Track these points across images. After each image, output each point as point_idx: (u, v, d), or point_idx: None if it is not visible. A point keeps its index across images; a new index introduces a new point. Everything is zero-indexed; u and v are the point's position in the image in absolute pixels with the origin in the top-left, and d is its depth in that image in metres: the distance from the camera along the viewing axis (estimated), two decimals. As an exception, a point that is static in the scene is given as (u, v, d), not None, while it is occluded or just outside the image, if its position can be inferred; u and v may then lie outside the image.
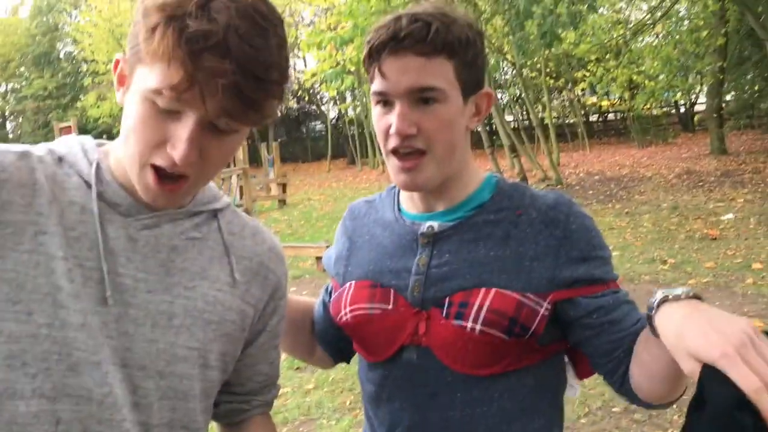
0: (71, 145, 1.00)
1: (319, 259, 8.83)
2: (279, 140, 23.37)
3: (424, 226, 1.24)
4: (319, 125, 33.22)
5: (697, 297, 0.98)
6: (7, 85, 34.58)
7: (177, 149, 0.87)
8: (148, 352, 0.96)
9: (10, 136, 34.62)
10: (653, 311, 0.99)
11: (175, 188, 0.93)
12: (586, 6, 9.39)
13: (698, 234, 8.43)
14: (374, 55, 1.14)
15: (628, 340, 1.11)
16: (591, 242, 1.18)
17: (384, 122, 1.17)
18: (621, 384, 1.15)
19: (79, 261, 0.92)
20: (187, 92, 0.84)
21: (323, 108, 31.36)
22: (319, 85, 24.29)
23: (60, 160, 0.97)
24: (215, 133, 0.90)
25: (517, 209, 1.21)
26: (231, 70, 0.83)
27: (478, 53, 1.18)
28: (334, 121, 28.77)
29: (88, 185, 0.96)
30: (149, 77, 0.86)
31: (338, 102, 27.98)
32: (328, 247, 8.83)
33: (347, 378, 4.70)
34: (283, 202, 16.40)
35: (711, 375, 0.83)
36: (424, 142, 1.16)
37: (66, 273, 0.90)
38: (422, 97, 1.14)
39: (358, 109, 24.62)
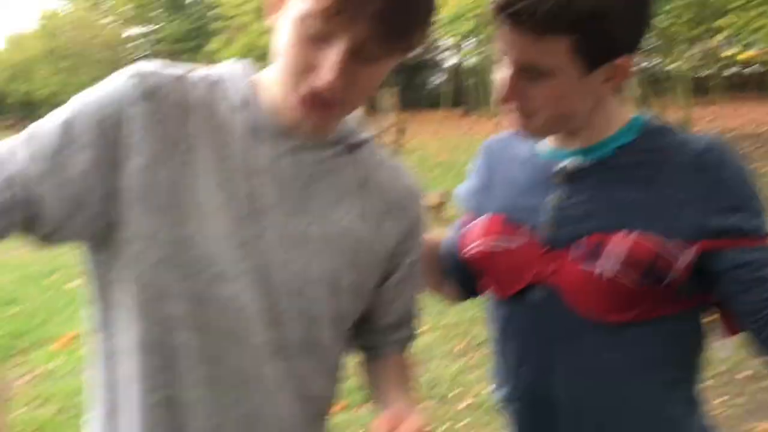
0: (231, 68, 1.04)
1: (435, 207, 8.82)
2: (397, 87, 23.38)
3: (560, 164, 1.18)
4: (437, 73, 32.90)
5: None
6: (143, 28, 36.30)
7: (325, 74, 0.89)
8: (283, 271, 0.99)
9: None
10: None
11: (324, 111, 0.95)
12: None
13: None
14: (493, 14, 1.07)
15: None
16: (743, 192, 1.09)
17: (499, 77, 1.12)
18: (764, 345, 1.07)
19: (225, 178, 0.96)
20: (335, 17, 0.86)
21: (442, 56, 30.98)
22: (438, 32, 23.97)
23: (213, 84, 1.01)
24: (363, 61, 0.91)
25: (665, 151, 1.12)
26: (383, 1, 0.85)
27: (616, 21, 1.04)
28: (454, 68, 28.39)
29: (238, 108, 1.00)
30: (302, 2, 0.88)
31: (459, 49, 27.55)
32: (443, 194, 8.80)
33: (461, 323, 4.71)
34: (400, 148, 16.45)
35: None
36: (530, 109, 1.11)
37: (212, 189, 0.95)
38: (529, 71, 1.07)
39: (480, 57, 24.16)
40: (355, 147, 1.08)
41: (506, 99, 1.12)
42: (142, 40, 36.39)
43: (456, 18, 11.22)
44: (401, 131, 17.25)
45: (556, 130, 1.16)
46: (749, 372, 3.70)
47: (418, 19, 0.91)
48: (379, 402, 1.14)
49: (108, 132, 0.91)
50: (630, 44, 1.09)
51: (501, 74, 1.12)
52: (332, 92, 0.90)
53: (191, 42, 32.58)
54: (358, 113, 1.08)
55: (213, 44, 27.08)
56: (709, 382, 3.64)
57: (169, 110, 0.94)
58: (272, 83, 0.99)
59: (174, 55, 32.65)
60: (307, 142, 1.02)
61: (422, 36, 0.94)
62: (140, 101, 0.93)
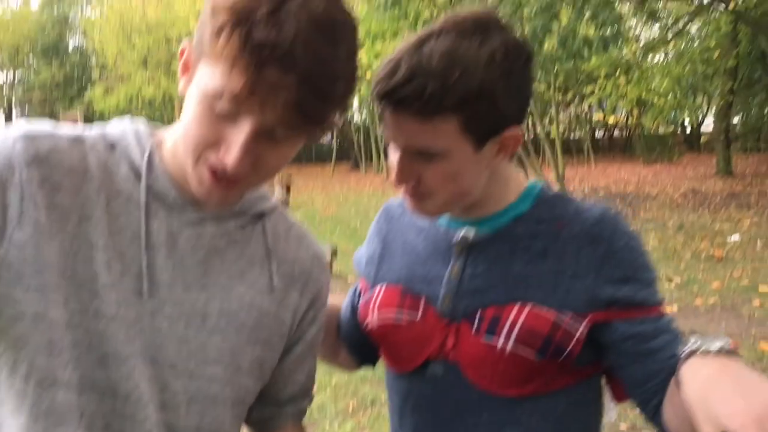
0: (124, 130, 0.97)
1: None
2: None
3: (459, 234, 1.17)
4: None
5: (730, 352, 0.91)
6: (15, 75, 34.59)
7: (230, 154, 0.84)
8: (179, 350, 0.93)
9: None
10: (681, 361, 0.93)
11: (228, 188, 0.89)
12: (615, 28, 9.33)
13: (704, 254, 8.39)
14: (377, 99, 1.06)
15: (664, 373, 1.03)
16: (635, 263, 1.11)
17: (391, 159, 1.11)
18: (653, 415, 1.08)
19: (120, 251, 0.90)
20: (246, 101, 0.81)
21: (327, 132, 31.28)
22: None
23: (112, 146, 0.94)
24: (271, 141, 0.86)
25: (559, 221, 1.14)
26: (294, 84, 0.79)
27: (501, 96, 1.03)
28: (339, 125, 28.82)
29: (138, 175, 0.93)
30: (211, 78, 0.82)
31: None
32: (334, 250, 8.78)
33: (350, 382, 4.66)
34: (286, 204, 16.36)
35: None
36: (426, 190, 1.10)
37: (105, 262, 0.88)
38: (421, 154, 1.07)
39: (364, 114, 24.61)
40: (259, 217, 1.03)
41: (400, 183, 1.10)
42: (16, 85, 34.66)
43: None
44: (288, 186, 17.17)
45: (452, 208, 1.16)
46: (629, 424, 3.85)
47: (333, 103, 0.86)
48: None
49: None
50: (516, 116, 1.09)
51: (392, 157, 1.10)
52: (236, 172, 0.85)
53: (70, 89, 31.34)
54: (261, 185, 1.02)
55: (93, 92, 26.14)
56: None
57: (62, 177, 0.87)
58: (173, 150, 0.94)
59: (50, 102, 31.24)
60: (208, 214, 0.97)
61: (339, 115, 0.89)
62: (29, 166, 0.85)
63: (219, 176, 0.87)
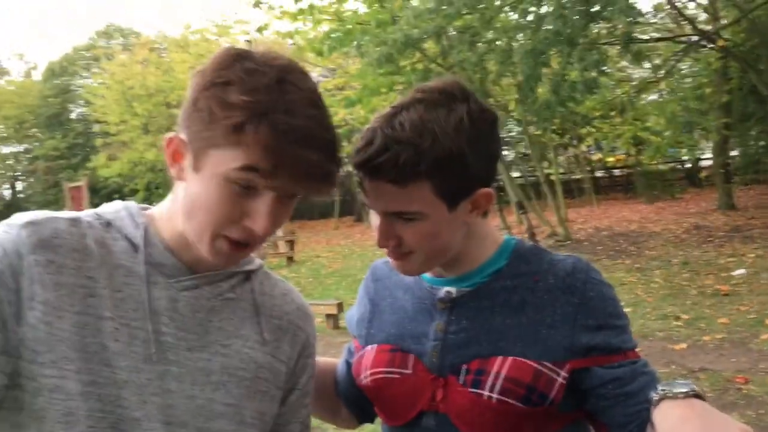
0: (117, 210, 1.06)
1: (329, 316, 8.77)
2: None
3: (442, 291, 1.24)
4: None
5: (697, 396, 0.99)
6: (19, 146, 35.07)
7: (258, 223, 0.95)
8: (189, 408, 1.00)
9: (21, 195, 34.98)
10: (653, 406, 1.01)
11: (247, 251, 1.01)
12: (597, 72, 9.45)
13: (710, 290, 8.37)
14: (354, 168, 1.14)
15: (644, 414, 1.09)
16: (607, 310, 1.17)
17: (372, 222, 1.19)
18: None
19: (126, 321, 0.97)
20: (277, 176, 0.92)
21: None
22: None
23: (108, 224, 1.03)
24: (285, 202, 0.98)
25: (534, 275, 1.20)
26: (316, 156, 0.93)
27: (470, 160, 1.10)
28: (341, 179, 29.06)
29: (135, 248, 1.02)
30: (233, 162, 0.93)
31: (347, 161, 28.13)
32: (339, 304, 8.78)
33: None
34: (291, 260, 16.38)
35: None
36: (408, 248, 1.17)
37: (112, 333, 0.96)
38: (399, 216, 1.14)
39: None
40: (247, 277, 1.12)
41: (382, 245, 1.18)
42: (21, 156, 35.11)
43: (342, 136, 11.60)
44: (292, 242, 17.26)
45: (434, 265, 1.22)
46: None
47: (340, 164, 0.98)
48: None
49: (3, 287, 0.90)
50: (485, 177, 1.16)
51: (373, 220, 1.18)
52: (265, 237, 0.97)
53: (74, 158, 31.74)
54: None
55: (97, 160, 26.47)
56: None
57: (66, 258, 0.95)
58: (170, 224, 1.03)
59: (54, 172, 31.59)
60: (203, 279, 1.05)
61: (336, 178, 1.00)
62: (35, 251, 0.93)
63: (240, 246, 0.98)
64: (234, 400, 1.04)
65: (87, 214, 1.04)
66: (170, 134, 1.00)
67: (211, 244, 0.98)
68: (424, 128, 1.08)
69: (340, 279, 12.61)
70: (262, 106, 0.91)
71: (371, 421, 1.43)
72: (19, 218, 0.96)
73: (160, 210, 1.08)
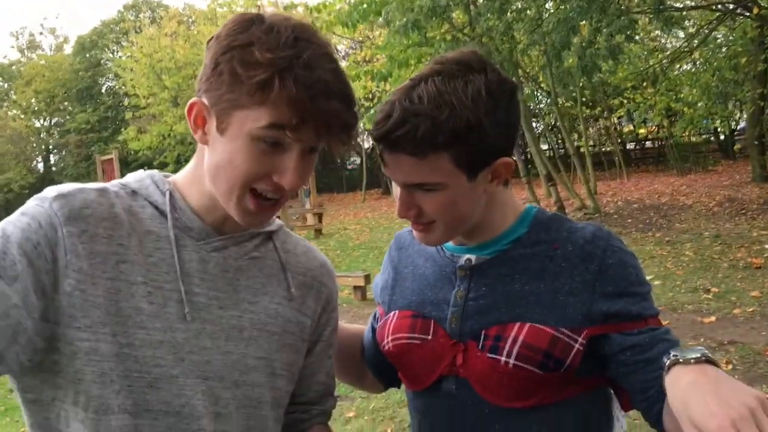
0: (141, 178, 1.10)
1: (356, 288, 8.84)
2: (314, 172, 23.47)
3: (462, 259, 1.26)
4: (353, 156, 33.44)
5: (709, 361, 0.97)
6: (51, 120, 35.55)
7: (286, 178, 0.99)
8: (225, 364, 1.05)
9: (54, 169, 35.53)
10: (664, 372, 1.00)
11: (273, 209, 1.05)
12: (624, 37, 9.25)
13: (742, 263, 8.26)
14: (375, 141, 1.16)
15: (662, 380, 1.07)
16: (628, 277, 1.17)
17: (394, 193, 1.21)
18: (656, 422, 1.13)
19: (159, 284, 1.01)
20: (303, 130, 0.96)
21: (358, 139, 31.55)
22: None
23: (134, 193, 1.06)
24: (309, 157, 1.02)
25: (554, 243, 1.21)
26: (338, 107, 0.97)
27: (488, 130, 1.11)
28: (368, 151, 28.99)
29: (163, 214, 1.05)
30: (258, 120, 0.96)
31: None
32: (366, 276, 8.84)
33: (388, 407, 4.68)
34: (319, 232, 16.50)
35: None
36: (428, 218, 1.18)
37: (146, 296, 1.00)
38: (420, 187, 1.15)
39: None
40: (269, 236, 1.16)
41: (403, 215, 1.19)
42: (53, 130, 35.58)
43: (368, 118, 11.54)
44: (320, 215, 17.37)
45: (455, 234, 1.23)
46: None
47: (358, 115, 1.02)
48: None
49: (37, 259, 0.93)
50: (504, 147, 1.17)
51: (395, 192, 1.19)
52: (293, 191, 1.00)
53: (104, 132, 32.09)
54: None
55: (127, 134, 26.73)
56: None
57: (97, 227, 0.98)
58: (196, 188, 1.06)
59: (86, 145, 32.01)
60: (230, 239, 1.08)
61: (356, 135, 1.05)
62: (67, 223, 0.96)
63: (268, 203, 1.02)
64: (265, 353, 1.09)
65: (113, 184, 1.07)
66: (193, 99, 1.03)
67: (239, 204, 1.01)
68: (442, 100, 1.09)
69: (367, 251, 12.67)
70: (284, 61, 0.94)
71: (397, 386, 1.46)
72: (50, 192, 0.99)
73: (183, 175, 1.11)
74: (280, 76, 0.94)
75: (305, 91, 0.94)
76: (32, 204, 0.99)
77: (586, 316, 1.15)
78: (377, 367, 1.43)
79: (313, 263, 1.23)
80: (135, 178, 1.10)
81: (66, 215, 0.97)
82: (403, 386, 1.41)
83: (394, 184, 1.19)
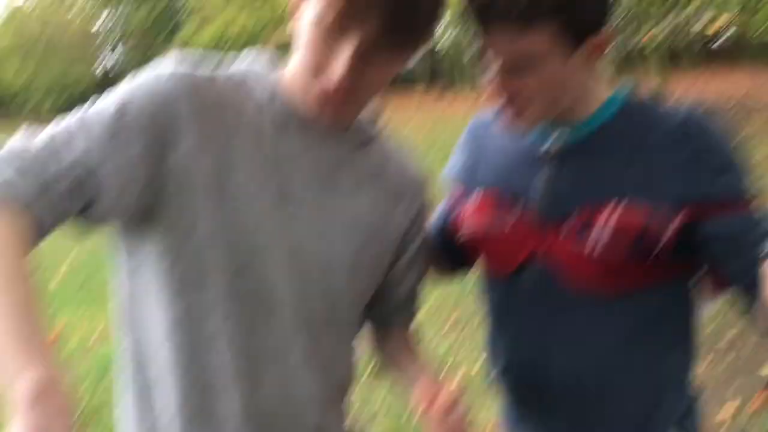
0: (252, 65, 1.12)
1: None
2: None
3: (549, 141, 1.21)
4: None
5: None
6: (116, 12, 35.68)
7: (335, 69, 0.97)
8: (314, 252, 1.06)
9: (116, 68, 35.95)
10: (761, 261, 0.96)
11: (335, 107, 1.03)
12: None
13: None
14: (473, 14, 1.10)
15: (758, 267, 1.03)
16: (728, 157, 1.11)
17: (487, 76, 1.15)
18: (748, 309, 1.09)
19: (259, 168, 1.03)
20: (347, 16, 0.94)
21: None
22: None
23: (240, 84, 1.08)
24: (373, 59, 0.98)
25: (646, 125, 1.15)
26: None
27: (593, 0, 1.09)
28: (428, 49, 28.40)
29: (266, 104, 1.07)
30: (317, 5, 0.96)
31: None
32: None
33: (448, 298, 4.75)
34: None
35: None
36: (523, 102, 1.14)
37: (249, 177, 1.02)
38: (517, 65, 1.10)
39: (454, 36, 24.05)
40: (368, 141, 1.15)
41: (498, 96, 1.15)
42: (116, 25, 35.82)
43: None
44: (378, 113, 17.21)
45: (550, 115, 1.18)
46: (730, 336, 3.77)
47: (427, 15, 0.98)
48: (399, 374, 1.21)
49: (157, 122, 0.98)
50: (603, 19, 1.12)
51: (489, 75, 1.14)
52: (341, 88, 0.98)
53: (161, 31, 32.13)
54: (370, 110, 1.15)
55: (183, 33, 26.70)
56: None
57: (207, 108, 1.01)
58: (294, 78, 1.06)
59: (144, 45, 32.19)
60: (328, 136, 1.09)
61: (431, 33, 1.01)
62: (184, 99, 1.00)
63: (328, 96, 1.01)
64: (354, 248, 1.10)
65: (220, 72, 1.08)
66: None
67: (309, 91, 1.03)
68: None
69: (425, 150, 12.46)
70: None
71: (465, 272, 1.45)
72: (167, 68, 1.02)
73: (289, 67, 1.10)
74: None
75: None
76: (150, 76, 1.01)
77: (685, 195, 1.10)
78: (446, 254, 1.40)
79: (407, 173, 1.20)
80: (248, 64, 1.12)
81: (183, 93, 1.00)
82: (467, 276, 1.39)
83: (486, 66, 1.14)
